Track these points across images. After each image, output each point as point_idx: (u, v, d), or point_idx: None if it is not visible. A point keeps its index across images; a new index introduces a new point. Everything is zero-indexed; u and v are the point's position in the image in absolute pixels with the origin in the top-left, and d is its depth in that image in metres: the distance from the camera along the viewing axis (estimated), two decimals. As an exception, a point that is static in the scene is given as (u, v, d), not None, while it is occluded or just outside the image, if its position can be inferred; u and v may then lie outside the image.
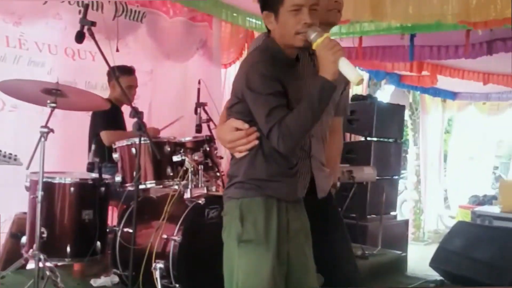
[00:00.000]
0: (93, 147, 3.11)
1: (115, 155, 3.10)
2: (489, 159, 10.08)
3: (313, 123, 1.66)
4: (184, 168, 3.01)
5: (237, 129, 1.72)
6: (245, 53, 5.15)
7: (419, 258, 5.43)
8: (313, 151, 1.94)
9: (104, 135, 3.42)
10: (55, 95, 2.65)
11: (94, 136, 3.37)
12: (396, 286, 4.00)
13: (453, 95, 8.47)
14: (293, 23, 1.68)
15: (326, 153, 2.10)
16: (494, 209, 5.98)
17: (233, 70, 5.21)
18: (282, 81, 1.68)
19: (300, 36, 1.68)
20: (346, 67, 1.61)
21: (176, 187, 2.99)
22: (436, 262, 4.26)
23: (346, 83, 2.09)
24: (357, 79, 1.60)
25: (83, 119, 3.68)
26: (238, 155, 1.75)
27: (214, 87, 4.74)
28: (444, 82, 6.90)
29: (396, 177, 5.70)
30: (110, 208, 3.25)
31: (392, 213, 5.60)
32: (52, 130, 2.59)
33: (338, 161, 2.24)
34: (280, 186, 1.74)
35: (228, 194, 1.77)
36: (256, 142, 1.71)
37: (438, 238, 6.54)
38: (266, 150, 1.72)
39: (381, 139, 5.41)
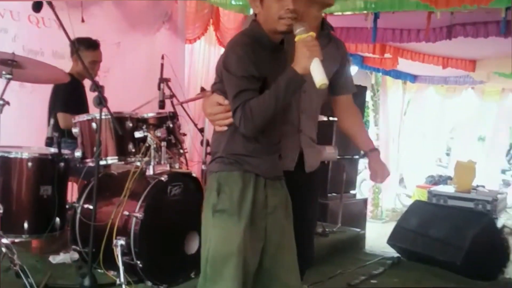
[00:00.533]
0: (51, 121, 3.01)
1: (75, 130, 3.01)
2: (443, 139, 10.44)
3: (275, 110, 1.70)
4: (147, 145, 2.97)
5: (219, 104, 1.79)
6: (210, 29, 5.09)
7: (377, 235, 5.60)
8: (302, 126, 2.00)
9: (61, 118, 3.31)
10: (11, 66, 2.53)
11: (53, 111, 3.26)
12: (355, 263, 4.10)
13: (413, 78, 8.67)
14: (276, 9, 1.73)
15: (346, 129, 2.17)
16: (449, 189, 6.20)
17: (198, 46, 5.14)
18: (261, 65, 1.72)
19: (284, 21, 1.73)
20: (317, 69, 1.66)
21: (138, 163, 2.94)
22: (393, 240, 4.40)
23: (341, 63, 2.11)
24: (320, 83, 1.65)
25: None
26: (217, 128, 1.83)
27: (178, 62, 4.68)
28: (405, 64, 7.03)
29: (357, 156, 5.80)
30: (69, 184, 3.18)
31: (352, 192, 5.72)
32: (7, 103, 2.48)
33: (363, 128, 2.30)
34: (259, 162, 1.79)
35: (210, 168, 1.85)
36: None
37: (396, 217, 6.75)
38: None
39: (343, 119, 5.46)
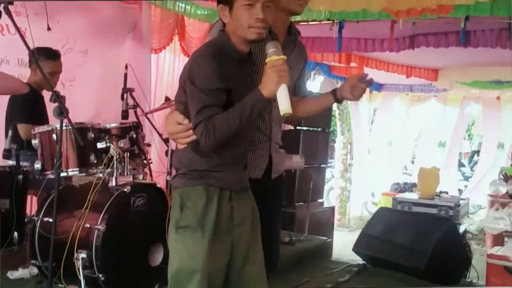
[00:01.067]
0: (10, 133, 2.93)
1: (35, 141, 2.94)
2: (409, 147, 10.65)
3: (238, 129, 1.69)
4: (109, 156, 2.92)
5: (179, 123, 1.77)
6: (175, 39, 5.07)
7: (344, 243, 5.64)
8: (273, 134, 2.02)
9: (21, 129, 3.22)
10: (-35, 76, 2.46)
11: (11, 122, 3.18)
12: (321, 271, 4.12)
13: (379, 87, 8.84)
14: (246, 18, 1.71)
15: (303, 107, 2.13)
16: (413, 196, 6.31)
17: (163, 55, 5.11)
18: (226, 77, 1.69)
19: (253, 29, 1.72)
20: (283, 96, 1.66)
21: (101, 175, 2.89)
22: (358, 247, 4.43)
23: (303, 65, 2.16)
24: (284, 112, 1.66)
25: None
26: (179, 146, 1.82)
27: (144, 72, 4.64)
28: (370, 73, 7.12)
29: (324, 165, 5.85)
30: (29, 197, 3.09)
31: (319, 200, 5.75)
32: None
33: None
34: (223, 176, 1.77)
35: (173, 184, 1.83)
36: (194, 137, 1.73)
37: (362, 224, 6.80)
38: None
39: (310, 128, 5.52)
